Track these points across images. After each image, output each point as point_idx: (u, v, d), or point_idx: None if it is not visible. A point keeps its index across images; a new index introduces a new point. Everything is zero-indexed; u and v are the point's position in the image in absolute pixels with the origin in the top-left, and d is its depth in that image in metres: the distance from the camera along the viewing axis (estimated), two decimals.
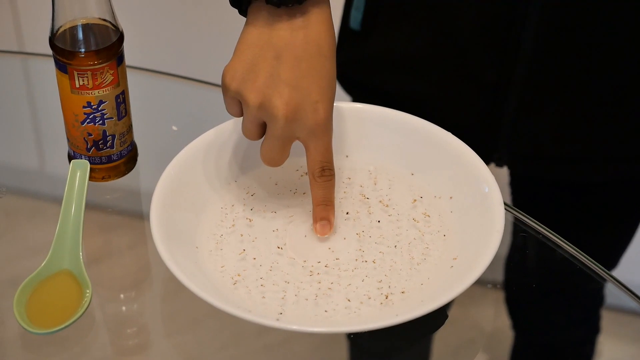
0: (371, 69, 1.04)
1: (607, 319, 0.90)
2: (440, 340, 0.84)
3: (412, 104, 0.95)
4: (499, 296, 0.90)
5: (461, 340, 0.85)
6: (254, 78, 0.77)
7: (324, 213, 0.83)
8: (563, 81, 0.95)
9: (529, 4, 0.91)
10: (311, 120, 0.78)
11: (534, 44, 0.93)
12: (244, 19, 0.79)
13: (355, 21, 1.02)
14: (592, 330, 0.93)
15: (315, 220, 0.84)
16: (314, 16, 0.77)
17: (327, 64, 0.78)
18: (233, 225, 0.86)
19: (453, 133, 0.88)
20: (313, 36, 0.77)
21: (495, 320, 0.88)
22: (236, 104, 0.79)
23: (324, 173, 0.81)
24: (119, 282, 0.89)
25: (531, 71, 0.94)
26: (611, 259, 1.10)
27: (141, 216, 0.95)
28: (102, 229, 0.93)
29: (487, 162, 1.02)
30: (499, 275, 0.90)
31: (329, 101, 0.78)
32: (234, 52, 0.78)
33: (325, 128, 0.79)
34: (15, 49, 2.08)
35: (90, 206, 0.90)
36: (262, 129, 0.80)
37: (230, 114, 0.81)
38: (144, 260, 0.91)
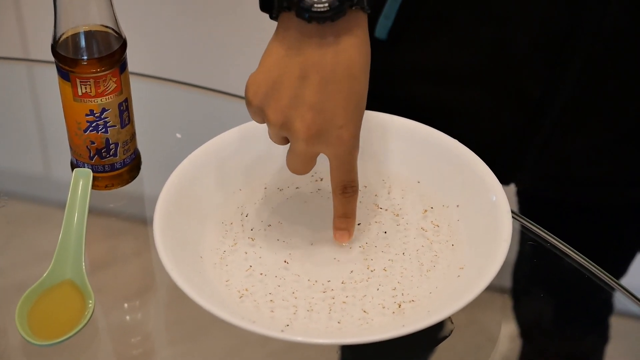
0: (395, 80, 1.01)
1: (615, 327, 0.90)
2: (447, 347, 0.83)
3: (438, 117, 0.93)
4: (507, 303, 0.89)
5: (467, 347, 0.84)
6: (278, 97, 0.75)
7: (344, 225, 0.83)
8: (605, 105, 0.94)
9: (588, 22, 0.89)
10: (334, 145, 0.76)
11: (585, 63, 0.91)
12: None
13: (382, 30, 0.97)
14: (600, 339, 0.93)
15: (335, 229, 0.84)
16: (347, 35, 0.74)
17: (357, 86, 0.75)
18: (235, 244, 0.85)
19: (476, 150, 0.87)
20: (343, 56, 0.74)
21: (502, 328, 0.87)
22: (259, 116, 0.77)
23: (346, 190, 0.80)
24: (123, 290, 0.88)
25: (576, 91, 0.92)
26: (619, 267, 1.10)
27: (145, 224, 0.95)
28: (105, 237, 0.93)
29: (507, 182, 1.01)
30: (507, 282, 0.90)
31: (354, 124, 0.76)
32: (260, 64, 0.76)
33: (349, 151, 0.77)
34: (20, 55, 2.08)
35: (94, 214, 0.89)
36: (287, 139, 0.78)
37: (255, 121, 0.79)
38: (148, 269, 0.91)
